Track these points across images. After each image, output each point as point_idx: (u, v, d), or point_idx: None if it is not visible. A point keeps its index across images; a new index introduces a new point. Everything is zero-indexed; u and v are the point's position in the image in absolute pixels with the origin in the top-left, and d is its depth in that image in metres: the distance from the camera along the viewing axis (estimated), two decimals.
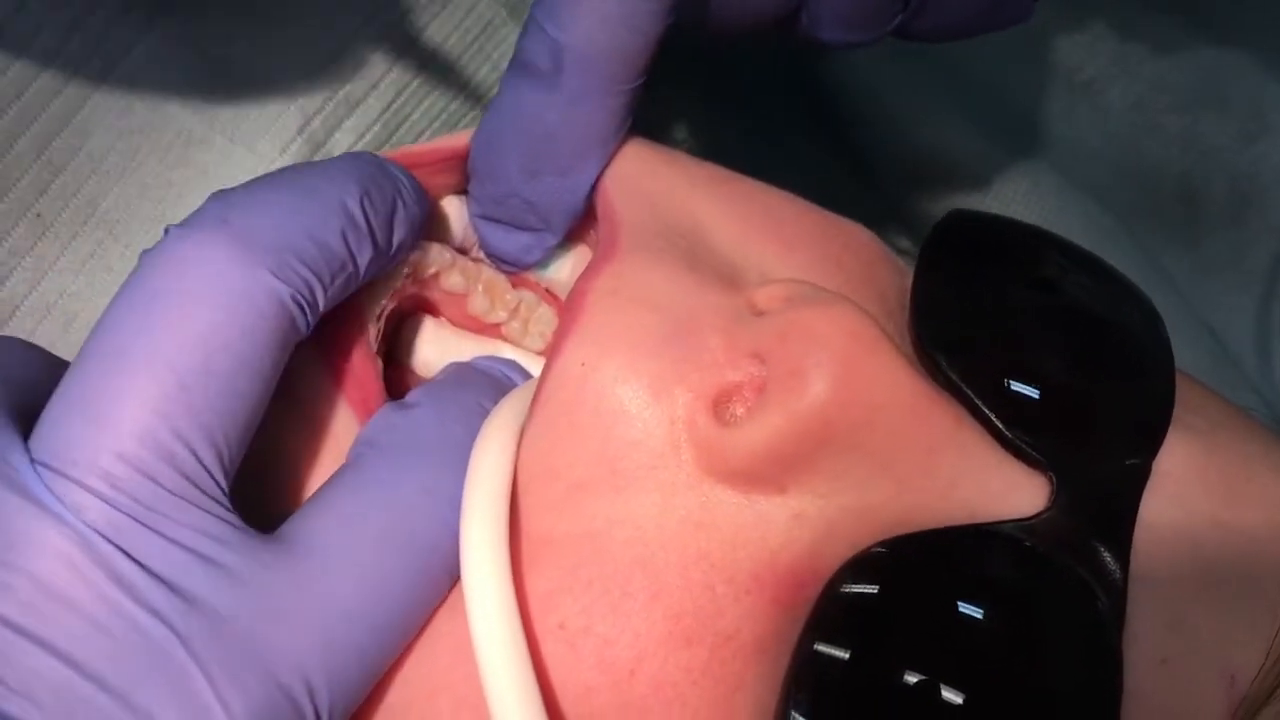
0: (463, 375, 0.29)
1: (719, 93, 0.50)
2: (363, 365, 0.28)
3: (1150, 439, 0.26)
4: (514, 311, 0.31)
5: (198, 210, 0.25)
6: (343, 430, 0.28)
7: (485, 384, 0.29)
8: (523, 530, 0.25)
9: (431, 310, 0.32)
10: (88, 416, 0.22)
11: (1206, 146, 0.49)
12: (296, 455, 0.27)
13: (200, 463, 0.23)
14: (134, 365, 0.22)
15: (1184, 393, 0.28)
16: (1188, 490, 0.26)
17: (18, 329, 0.32)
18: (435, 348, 0.31)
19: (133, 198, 0.33)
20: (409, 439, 0.26)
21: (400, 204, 0.27)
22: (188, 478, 0.22)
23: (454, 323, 0.32)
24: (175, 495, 0.22)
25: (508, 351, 0.31)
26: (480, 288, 0.31)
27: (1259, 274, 0.49)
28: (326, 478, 0.26)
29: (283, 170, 0.27)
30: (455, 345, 0.31)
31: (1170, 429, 0.27)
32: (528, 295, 0.32)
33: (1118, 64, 0.49)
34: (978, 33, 0.33)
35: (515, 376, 0.30)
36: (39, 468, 0.22)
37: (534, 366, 0.31)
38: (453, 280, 0.30)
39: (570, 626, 0.24)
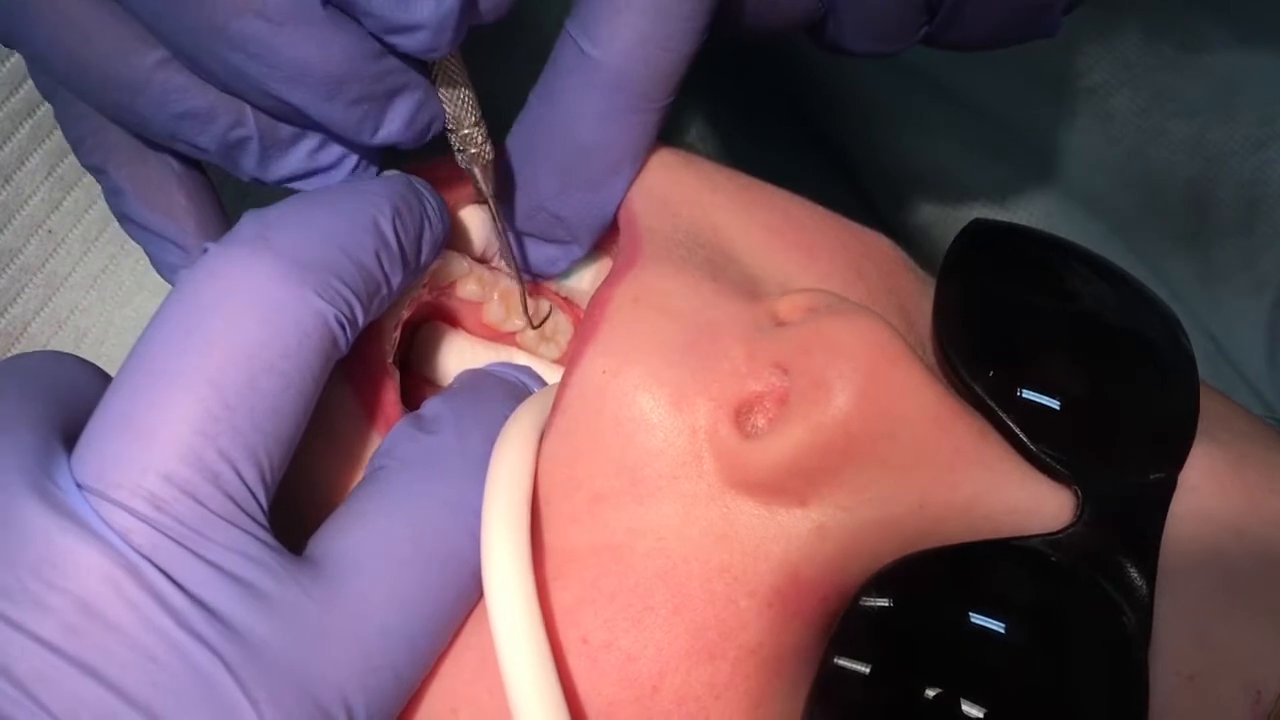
0: (479, 383, 0.29)
1: (714, 105, 0.50)
2: (381, 375, 0.28)
3: (1175, 452, 0.26)
4: (534, 315, 0.31)
5: (236, 228, 0.24)
6: (360, 440, 0.27)
7: (502, 392, 0.28)
8: (544, 541, 0.25)
9: (447, 318, 0.31)
10: (131, 436, 0.22)
11: (1214, 153, 0.49)
12: (314, 465, 0.27)
13: (244, 483, 0.22)
14: (178, 384, 0.22)
15: (1206, 404, 0.28)
16: (1212, 504, 0.26)
17: (29, 345, 0.32)
18: (451, 356, 0.31)
19: None
20: (430, 451, 0.26)
21: (428, 224, 0.27)
22: (231, 498, 0.22)
23: (469, 331, 0.32)
24: (218, 516, 0.22)
25: (521, 359, 0.31)
26: (496, 296, 0.31)
27: (1269, 280, 0.49)
28: (344, 487, 0.26)
29: (318, 190, 0.26)
30: (471, 353, 0.31)
31: (1194, 441, 0.27)
32: (544, 304, 0.31)
33: (1123, 70, 0.49)
34: (1004, 45, 0.32)
35: (531, 383, 0.30)
36: (82, 488, 0.22)
37: (549, 374, 0.30)
38: (469, 289, 0.30)
39: (593, 640, 0.24)
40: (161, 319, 0.23)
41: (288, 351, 0.23)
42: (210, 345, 0.22)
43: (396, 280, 0.26)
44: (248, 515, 0.22)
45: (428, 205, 0.27)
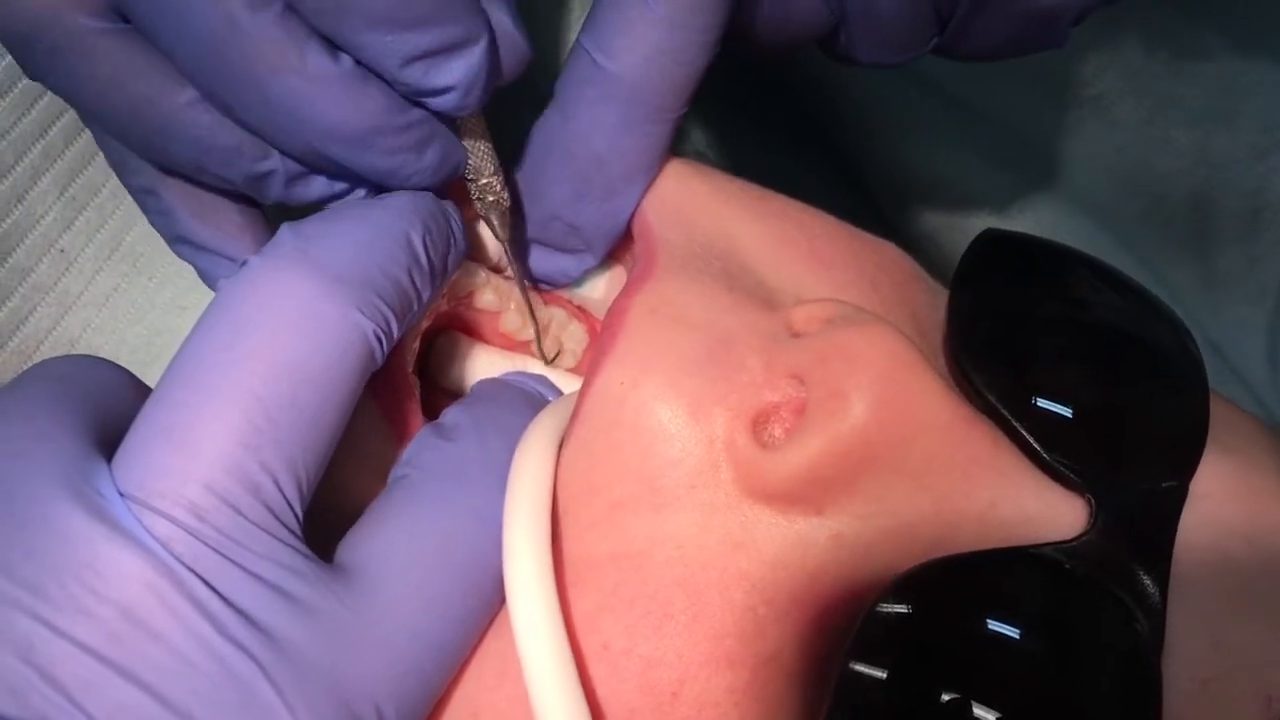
0: (498, 393, 0.29)
1: (721, 113, 0.51)
2: (401, 384, 0.28)
3: (1186, 460, 0.27)
4: (545, 329, 0.31)
5: (276, 241, 0.25)
6: (382, 448, 0.28)
7: (520, 401, 0.29)
8: (564, 549, 0.25)
9: (463, 328, 0.32)
10: (174, 446, 0.22)
11: (1218, 161, 0.49)
12: (336, 472, 0.27)
13: (282, 494, 0.23)
14: (221, 395, 0.22)
15: (1215, 411, 0.28)
16: (1223, 511, 0.26)
17: None
18: (467, 365, 0.31)
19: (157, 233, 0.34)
20: (453, 460, 0.26)
21: (453, 241, 0.28)
22: (270, 510, 0.22)
23: (485, 340, 0.32)
24: (257, 527, 0.22)
25: (537, 368, 0.31)
26: (513, 306, 0.31)
27: (1271, 288, 0.49)
28: (366, 494, 0.26)
29: (350, 204, 0.27)
30: (487, 362, 0.31)
31: (1204, 449, 0.27)
32: (559, 313, 0.32)
33: (1127, 79, 0.49)
34: (1013, 55, 0.33)
35: (546, 392, 0.30)
36: (124, 496, 0.22)
37: (564, 383, 0.31)
38: (486, 299, 0.31)
39: (613, 647, 0.24)
40: (204, 330, 0.23)
41: (329, 365, 0.23)
42: (254, 358, 0.23)
43: (426, 295, 0.26)
44: (284, 526, 0.23)
45: (453, 221, 0.28)
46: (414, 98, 0.26)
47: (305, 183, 0.27)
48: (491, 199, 0.29)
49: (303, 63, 0.24)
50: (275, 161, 0.27)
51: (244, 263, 0.24)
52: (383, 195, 0.28)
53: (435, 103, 0.26)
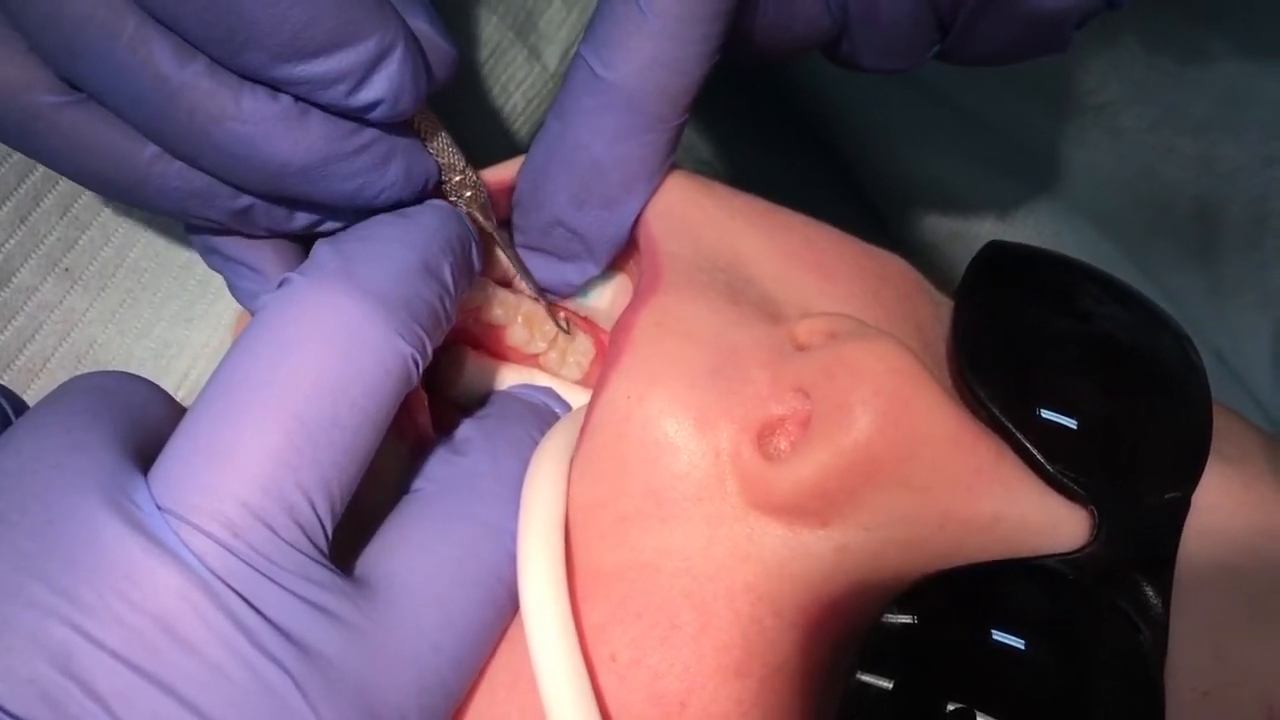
0: (507, 406, 0.29)
1: (722, 122, 0.51)
2: (413, 398, 0.28)
3: (1189, 471, 0.27)
4: (552, 342, 0.32)
5: (316, 258, 0.25)
6: (394, 461, 0.28)
7: (529, 414, 0.29)
8: (574, 562, 0.26)
9: (470, 341, 0.32)
10: (213, 462, 0.22)
11: (1223, 169, 0.49)
12: None
13: (316, 514, 0.23)
14: (263, 414, 0.23)
15: (1217, 421, 0.28)
16: (1226, 522, 0.26)
17: (49, 381, 0.32)
18: (474, 378, 0.31)
19: (161, 247, 0.34)
20: (466, 475, 0.26)
21: (474, 260, 0.28)
22: (302, 528, 0.23)
23: (492, 353, 0.32)
24: (289, 544, 0.23)
25: (543, 380, 0.32)
26: (520, 319, 0.31)
27: (1276, 295, 0.49)
28: (379, 506, 0.26)
29: (382, 223, 0.27)
30: (494, 375, 0.32)
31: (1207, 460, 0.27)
32: (562, 320, 0.32)
33: (1131, 88, 0.49)
34: (1016, 60, 0.33)
35: (554, 404, 0.30)
36: (162, 509, 0.22)
37: (570, 394, 0.31)
38: (495, 313, 0.31)
39: (621, 659, 0.24)
40: (246, 347, 0.24)
41: (369, 388, 0.24)
42: (297, 378, 0.23)
43: (453, 316, 0.27)
44: (314, 544, 0.23)
45: (473, 241, 0.28)
46: (353, 118, 0.26)
47: (288, 214, 0.28)
48: (469, 194, 0.30)
49: (239, 108, 0.25)
50: (250, 198, 0.27)
51: (284, 280, 0.24)
52: (411, 211, 0.28)
53: (372, 118, 0.26)
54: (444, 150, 0.29)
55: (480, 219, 0.30)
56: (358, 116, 0.26)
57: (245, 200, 0.27)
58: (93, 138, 0.26)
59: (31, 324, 0.32)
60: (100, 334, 0.33)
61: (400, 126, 0.28)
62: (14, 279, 0.31)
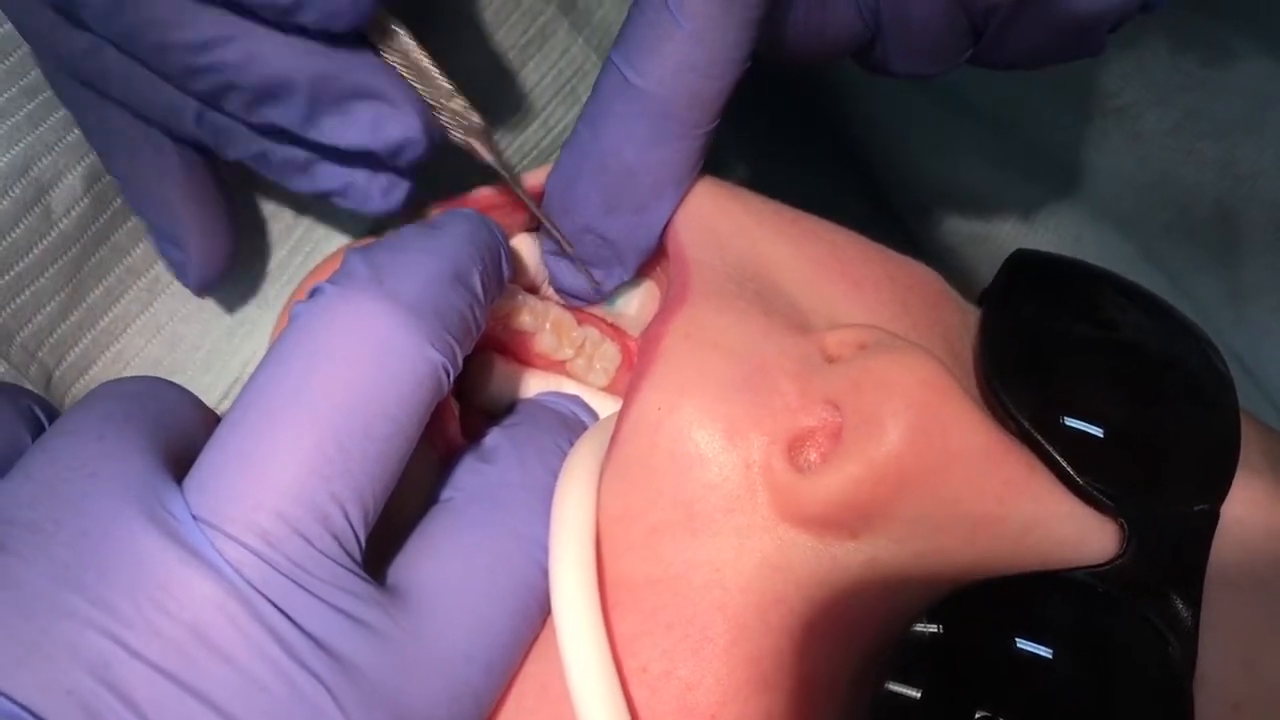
0: (535, 415, 0.29)
1: (745, 126, 0.51)
2: (443, 407, 0.28)
3: (1217, 483, 0.27)
4: (580, 349, 0.32)
5: (347, 269, 0.25)
6: (424, 469, 0.28)
7: (557, 423, 0.29)
8: (605, 573, 0.26)
9: (498, 348, 0.32)
10: (248, 472, 0.23)
11: (1244, 172, 0.49)
12: None
13: (350, 524, 0.23)
14: (297, 425, 0.23)
15: (1245, 431, 0.28)
16: (1255, 534, 0.26)
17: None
18: (501, 384, 0.31)
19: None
20: (495, 484, 0.27)
21: (504, 268, 0.28)
22: (337, 538, 0.23)
23: (520, 360, 0.32)
24: (323, 554, 0.23)
25: (571, 387, 0.32)
26: (548, 326, 0.31)
27: None
28: (408, 514, 0.26)
29: (412, 233, 0.27)
30: (522, 382, 0.32)
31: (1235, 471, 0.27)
32: (592, 333, 0.32)
33: (1152, 90, 0.49)
34: (1049, 64, 0.33)
35: (581, 412, 0.30)
36: (197, 519, 0.22)
37: (597, 401, 0.31)
38: (523, 320, 0.31)
39: (652, 670, 0.25)
40: (279, 357, 0.24)
41: (402, 399, 0.24)
42: (330, 389, 0.23)
43: (483, 326, 0.27)
44: (347, 554, 0.23)
45: (502, 249, 0.28)
46: (285, 19, 0.25)
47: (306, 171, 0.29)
48: (466, 124, 0.29)
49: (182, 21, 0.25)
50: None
51: (315, 289, 0.25)
52: (441, 220, 0.28)
53: (306, 18, 0.25)
54: (425, 78, 0.28)
55: (480, 149, 0.29)
56: (290, 18, 0.25)
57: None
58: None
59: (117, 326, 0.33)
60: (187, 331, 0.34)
61: (388, 69, 0.27)
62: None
